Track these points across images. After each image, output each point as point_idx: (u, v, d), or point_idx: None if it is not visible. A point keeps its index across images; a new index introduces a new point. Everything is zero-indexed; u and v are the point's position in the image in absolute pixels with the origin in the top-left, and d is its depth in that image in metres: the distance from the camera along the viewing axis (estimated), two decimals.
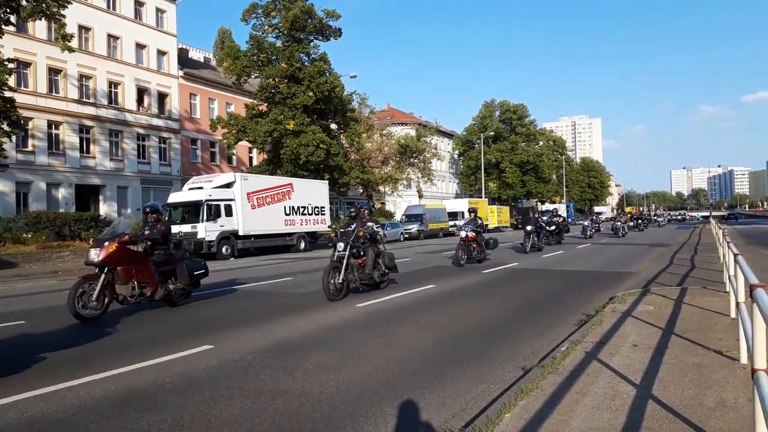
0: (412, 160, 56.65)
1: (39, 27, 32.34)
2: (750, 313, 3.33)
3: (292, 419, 4.42)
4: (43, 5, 21.65)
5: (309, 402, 4.81)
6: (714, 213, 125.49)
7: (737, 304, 5.61)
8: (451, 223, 49.05)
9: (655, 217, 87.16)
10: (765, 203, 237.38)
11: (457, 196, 77.79)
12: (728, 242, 8.70)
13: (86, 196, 35.89)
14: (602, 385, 4.79)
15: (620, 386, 4.76)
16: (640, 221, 47.25)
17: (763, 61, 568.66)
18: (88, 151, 35.93)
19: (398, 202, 60.34)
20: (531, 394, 4.58)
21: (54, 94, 34.17)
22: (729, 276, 7.90)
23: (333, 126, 42.25)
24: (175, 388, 5.30)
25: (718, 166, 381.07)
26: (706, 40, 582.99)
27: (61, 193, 34.13)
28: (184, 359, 6.35)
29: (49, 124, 33.80)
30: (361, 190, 54.15)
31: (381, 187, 53.95)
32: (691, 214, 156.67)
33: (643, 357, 5.70)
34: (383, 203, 61.74)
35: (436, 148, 64.69)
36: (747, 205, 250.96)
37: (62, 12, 22.77)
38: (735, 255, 5.87)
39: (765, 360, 2.93)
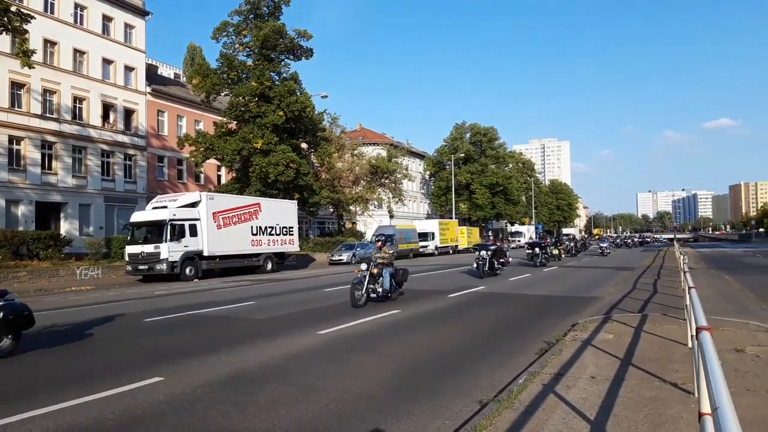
0: (383, 180, 56.73)
1: (2, 40, 31.56)
2: (697, 354, 3.30)
3: None
4: (5, 19, 21.16)
5: None
6: (678, 236, 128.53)
7: (692, 336, 5.63)
8: (421, 243, 49.19)
9: (591, 240, 65.12)
10: (727, 227, 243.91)
11: (428, 216, 78.06)
12: (686, 272, 8.77)
13: (47, 213, 34.88)
14: (557, 422, 4.72)
15: (574, 422, 4.70)
16: (537, 248, 28.66)
17: (723, 88, 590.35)
18: (50, 168, 35.02)
19: (369, 222, 60.22)
20: None
21: (16, 108, 33.31)
22: (686, 304, 7.97)
23: (303, 145, 42.13)
24: (117, 425, 5.07)
25: (683, 190, 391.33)
26: (667, 68, 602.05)
27: (21, 210, 33.11)
28: (130, 393, 6.08)
29: (10, 139, 32.87)
30: (331, 210, 53.94)
31: (352, 207, 53.81)
32: (654, 236, 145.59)
33: (600, 390, 5.66)
34: (354, 223, 61.55)
35: (407, 169, 64.99)
36: (710, 228, 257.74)
37: (25, 27, 22.27)
38: (690, 288, 5.90)
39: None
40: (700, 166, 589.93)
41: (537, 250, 28.55)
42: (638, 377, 6.15)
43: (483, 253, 21.59)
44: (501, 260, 22.92)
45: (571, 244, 43.20)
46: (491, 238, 33.48)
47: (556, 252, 32.99)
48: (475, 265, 22.07)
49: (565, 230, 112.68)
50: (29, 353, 8.52)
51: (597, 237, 65.51)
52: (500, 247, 24.31)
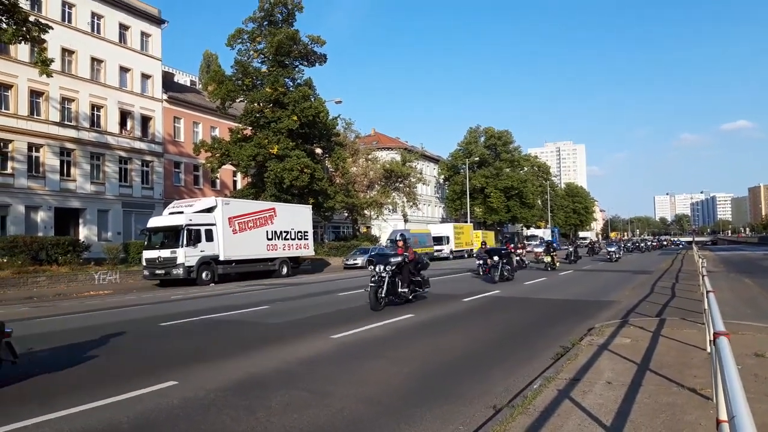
0: (397, 184, 56.74)
1: (21, 49, 32.14)
2: (715, 360, 3.23)
3: None
4: (24, 29, 21.48)
5: None
6: (697, 238, 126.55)
7: (710, 341, 5.52)
8: (436, 247, 49.02)
9: (600, 243, 57.14)
10: (746, 229, 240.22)
11: (443, 220, 77.89)
12: (704, 275, 8.63)
13: (66, 219, 35.36)
14: (572, 428, 4.65)
15: (590, 428, 4.63)
16: (497, 257, 20.78)
17: (740, 90, 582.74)
18: (68, 174, 35.52)
19: (383, 227, 60.24)
20: None
21: (35, 116, 33.86)
22: (705, 309, 7.84)
23: (318, 150, 42.28)
24: (132, 429, 5.10)
25: (701, 192, 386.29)
26: (684, 71, 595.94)
27: (40, 216, 33.60)
28: (145, 397, 6.11)
29: (30, 146, 33.41)
30: (346, 215, 54.02)
31: (366, 212, 53.86)
32: (670, 238, 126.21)
33: (617, 395, 5.57)
34: (368, 227, 61.61)
35: (421, 173, 64.93)
36: (729, 231, 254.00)
37: (43, 36, 22.61)
38: (708, 292, 5.80)
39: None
40: (718, 168, 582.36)
41: (496, 258, 20.18)
42: (656, 383, 6.05)
43: (379, 268, 12.85)
44: (417, 278, 14.26)
45: (570, 249, 36.53)
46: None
47: (547, 260, 27.84)
48: (368, 287, 12.94)
49: (581, 233, 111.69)
50: (44, 357, 8.61)
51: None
52: (417, 257, 14.58)
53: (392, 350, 8.67)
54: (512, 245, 23.43)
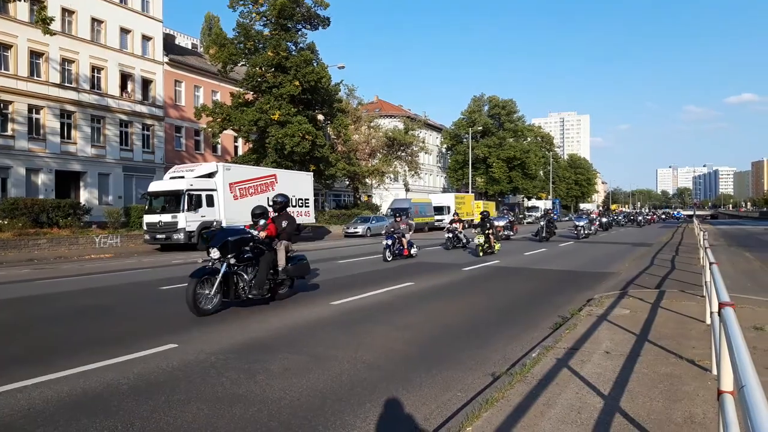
0: (399, 153, 56.36)
1: (21, 9, 31.59)
2: (718, 331, 3.20)
3: (248, 428, 4.24)
4: None
5: (268, 409, 4.63)
6: (697, 212, 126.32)
7: (711, 313, 5.51)
8: (437, 217, 49.03)
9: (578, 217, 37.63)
10: (748, 204, 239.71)
11: (445, 190, 77.69)
12: (706, 248, 8.59)
13: (67, 182, 35.25)
14: (570, 396, 4.66)
15: (588, 397, 4.64)
16: (216, 252, 8.86)
17: (746, 63, 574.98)
18: (69, 137, 35.28)
19: (384, 196, 60.10)
20: (496, 405, 4.44)
21: (35, 77, 33.45)
22: (705, 281, 7.83)
23: (320, 117, 41.90)
24: (131, 390, 5.11)
25: (704, 166, 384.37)
26: (690, 43, 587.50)
27: (41, 179, 33.50)
28: (145, 359, 6.14)
29: (30, 108, 33.10)
30: (347, 183, 53.85)
31: (367, 180, 53.65)
32: (669, 212, 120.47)
33: (615, 365, 5.58)
34: (369, 196, 61.48)
35: (423, 142, 64.46)
36: (731, 205, 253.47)
37: None
38: (710, 264, 5.76)
39: (732, 382, 2.80)
40: (722, 141, 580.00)
41: (213, 255, 8.86)
42: (654, 353, 6.06)
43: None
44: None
45: (542, 223, 28.04)
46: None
47: (479, 241, 19.77)
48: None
49: (582, 205, 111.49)
50: (45, 318, 8.65)
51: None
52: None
53: (392, 317, 8.69)
54: (273, 219, 10.99)
